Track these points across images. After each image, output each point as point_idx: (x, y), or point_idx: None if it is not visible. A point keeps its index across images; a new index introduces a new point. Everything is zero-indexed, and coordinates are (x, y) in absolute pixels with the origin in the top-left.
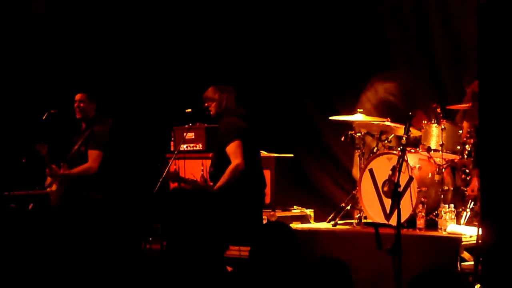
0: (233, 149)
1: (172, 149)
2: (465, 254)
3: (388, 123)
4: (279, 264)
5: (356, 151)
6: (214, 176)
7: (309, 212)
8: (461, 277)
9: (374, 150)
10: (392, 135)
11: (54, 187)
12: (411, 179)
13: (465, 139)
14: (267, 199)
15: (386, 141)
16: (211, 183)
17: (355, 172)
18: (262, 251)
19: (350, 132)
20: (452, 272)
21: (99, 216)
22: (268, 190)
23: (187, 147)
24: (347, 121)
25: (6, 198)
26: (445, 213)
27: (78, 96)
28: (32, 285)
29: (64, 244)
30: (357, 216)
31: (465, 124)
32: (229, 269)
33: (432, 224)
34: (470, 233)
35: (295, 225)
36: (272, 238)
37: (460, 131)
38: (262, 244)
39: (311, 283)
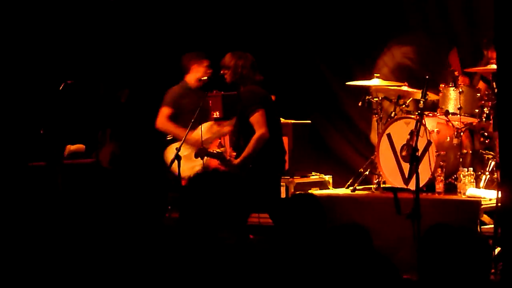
0: (257, 119)
1: None
2: (485, 218)
3: (405, 87)
4: (306, 236)
5: (374, 116)
6: (237, 145)
7: (328, 178)
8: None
9: (392, 115)
10: (410, 99)
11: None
12: (429, 143)
13: (483, 102)
14: (285, 166)
15: (403, 106)
16: (234, 153)
17: (373, 137)
18: (290, 223)
19: (367, 97)
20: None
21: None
22: (286, 157)
23: None
24: (364, 86)
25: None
26: (464, 176)
27: None
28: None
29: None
30: (375, 181)
31: (481, 85)
32: (251, 237)
33: (451, 188)
34: (489, 196)
35: (314, 191)
36: (300, 211)
37: (478, 94)
38: (290, 217)
39: (332, 250)
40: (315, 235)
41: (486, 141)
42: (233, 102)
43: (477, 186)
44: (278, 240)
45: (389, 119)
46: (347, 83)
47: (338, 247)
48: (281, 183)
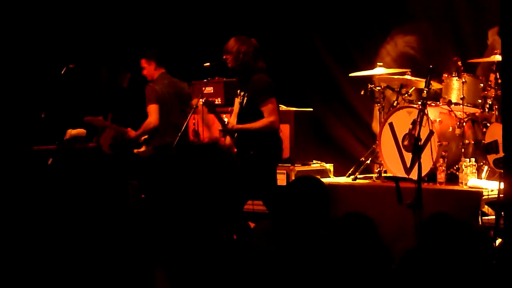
0: (271, 107)
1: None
2: (486, 208)
3: (408, 76)
4: (310, 220)
5: (376, 105)
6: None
7: (329, 166)
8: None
9: (394, 104)
10: (413, 88)
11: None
12: (431, 133)
13: (486, 92)
14: (286, 154)
15: (406, 95)
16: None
17: (375, 126)
18: (294, 206)
19: (370, 85)
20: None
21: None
22: (287, 145)
23: None
24: (367, 75)
25: (25, 153)
26: (466, 167)
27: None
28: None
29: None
30: (377, 171)
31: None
32: (252, 224)
33: (452, 178)
34: (491, 187)
35: None
36: (304, 193)
37: (481, 85)
38: (294, 199)
39: (338, 239)
40: (319, 220)
41: None
42: (235, 88)
43: (479, 176)
44: (280, 225)
45: (391, 108)
46: (350, 75)
47: (343, 237)
48: (282, 171)
